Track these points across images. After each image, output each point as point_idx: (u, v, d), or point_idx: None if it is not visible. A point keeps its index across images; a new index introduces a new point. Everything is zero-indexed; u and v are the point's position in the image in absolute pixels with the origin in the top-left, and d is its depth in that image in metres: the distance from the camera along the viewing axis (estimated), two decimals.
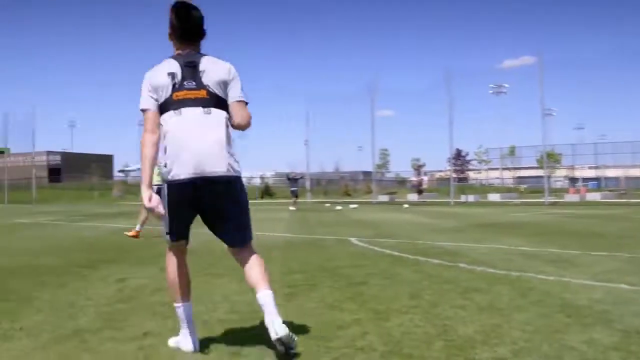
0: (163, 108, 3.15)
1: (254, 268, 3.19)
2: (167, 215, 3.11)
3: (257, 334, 3.36)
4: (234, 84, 3.22)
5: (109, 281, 5.47)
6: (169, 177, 3.09)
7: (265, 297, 3.05)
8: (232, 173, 3.12)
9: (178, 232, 3.20)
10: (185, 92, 3.12)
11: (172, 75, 3.14)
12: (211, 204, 3.13)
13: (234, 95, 3.21)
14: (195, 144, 3.07)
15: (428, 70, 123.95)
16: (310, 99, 55.20)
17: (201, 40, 3.26)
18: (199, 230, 3.63)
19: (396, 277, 5.47)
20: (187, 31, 3.21)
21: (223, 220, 3.18)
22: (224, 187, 3.11)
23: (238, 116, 3.21)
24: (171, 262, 3.27)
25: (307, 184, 51.12)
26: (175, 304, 3.25)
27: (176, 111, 3.11)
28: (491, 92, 58.70)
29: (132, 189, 64.54)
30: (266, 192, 62.61)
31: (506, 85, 57.85)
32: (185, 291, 3.25)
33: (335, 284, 5.11)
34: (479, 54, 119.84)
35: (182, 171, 3.06)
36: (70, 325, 3.75)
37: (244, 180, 3.28)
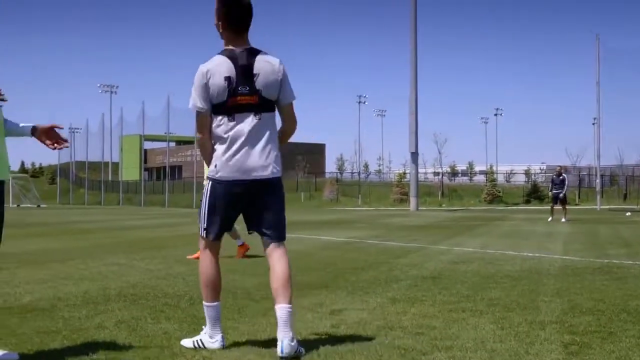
0: (217, 110, 4.33)
1: (280, 278, 4.36)
2: (206, 213, 4.45)
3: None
4: (284, 84, 4.40)
5: (321, 312, 5.75)
6: (217, 177, 4.35)
7: (282, 311, 4.24)
8: (275, 175, 4.43)
9: (217, 231, 4.50)
10: (239, 97, 4.28)
11: (229, 80, 4.26)
12: (253, 204, 4.44)
13: (284, 97, 4.42)
14: (245, 149, 4.32)
15: None
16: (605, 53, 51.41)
17: (246, 34, 4.38)
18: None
19: None
20: (240, 19, 4.33)
21: (263, 219, 4.47)
22: (267, 188, 4.41)
23: (289, 121, 4.53)
24: (206, 261, 4.52)
25: (597, 183, 48.58)
26: (206, 303, 4.48)
27: (230, 116, 4.31)
28: None
29: (347, 191, 67.68)
30: (533, 192, 60.89)
31: None
32: (218, 291, 4.51)
33: None
34: None
35: (229, 173, 4.32)
36: None
37: None
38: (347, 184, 73.86)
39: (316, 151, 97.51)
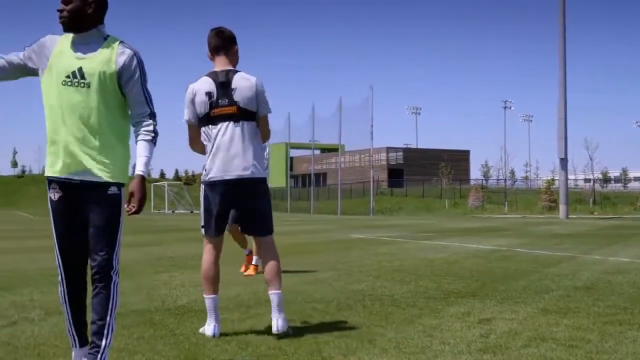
0: (203, 121, 5.14)
1: (270, 270, 5.16)
2: (202, 213, 5.24)
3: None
4: (260, 98, 5.15)
5: (469, 321, 5.66)
6: (206, 179, 5.14)
7: (274, 296, 5.10)
8: (255, 175, 5.10)
9: (214, 228, 5.20)
10: (220, 108, 5.08)
11: (209, 94, 5.09)
12: (237, 202, 5.15)
13: (261, 109, 5.17)
14: (226, 152, 5.05)
15: None
16: None
17: (230, 56, 5.22)
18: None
19: None
20: (216, 47, 5.21)
21: (248, 215, 5.22)
22: (249, 187, 5.09)
23: (262, 130, 5.28)
24: (205, 257, 5.26)
25: None
26: (205, 295, 5.22)
27: (214, 125, 5.09)
28: None
29: (493, 198, 66.26)
30: None
31: None
32: (215, 285, 5.23)
33: None
34: None
35: (215, 174, 5.08)
36: None
37: None
38: (492, 191, 72.34)
39: (460, 158, 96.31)
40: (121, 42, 3.82)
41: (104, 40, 3.79)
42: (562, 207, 43.90)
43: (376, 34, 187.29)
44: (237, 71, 5.20)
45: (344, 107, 64.24)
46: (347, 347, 4.68)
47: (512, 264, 10.62)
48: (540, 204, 58.69)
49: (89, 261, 3.80)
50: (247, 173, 5.08)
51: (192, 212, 64.28)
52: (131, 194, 3.78)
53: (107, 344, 3.75)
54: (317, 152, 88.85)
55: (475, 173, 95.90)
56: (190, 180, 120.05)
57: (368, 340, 4.91)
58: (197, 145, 5.30)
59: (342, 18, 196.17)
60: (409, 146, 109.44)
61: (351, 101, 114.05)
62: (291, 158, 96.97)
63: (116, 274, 3.81)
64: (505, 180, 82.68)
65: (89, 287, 3.84)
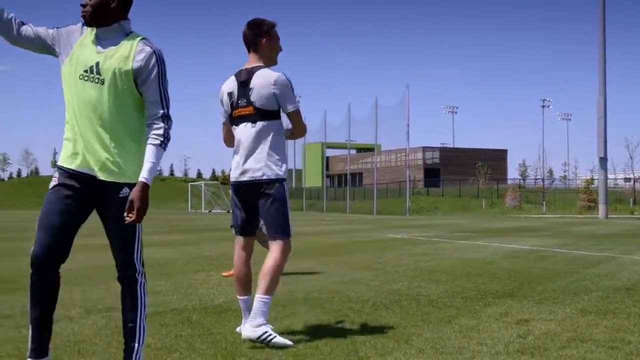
0: (230, 122, 5.16)
1: (262, 270, 4.92)
2: (231, 212, 5.34)
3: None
4: (281, 96, 4.93)
5: (507, 322, 5.61)
6: (231, 180, 5.16)
7: (256, 300, 4.85)
8: (268, 176, 4.93)
9: (238, 227, 5.19)
10: (239, 109, 5.03)
11: (230, 95, 5.07)
12: (254, 204, 5.05)
13: (284, 107, 4.98)
14: (241, 154, 5.01)
15: None
16: None
17: (260, 51, 5.03)
18: None
19: None
20: (246, 44, 5.08)
21: (262, 216, 5.06)
22: (262, 189, 4.95)
23: (294, 127, 5.14)
24: (235, 257, 5.22)
25: None
26: (237, 296, 5.21)
27: (236, 126, 5.09)
28: None
29: (531, 197, 65.64)
30: None
31: None
32: (245, 286, 5.15)
33: None
34: None
35: (232, 176, 5.12)
36: None
37: None
38: (530, 191, 71.67)
39: (498, 157, 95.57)
40: (143, 39, 3.70)
41: (126, 36, 3.68)
42: (601, 207, 43.37)
43: (412, 33, 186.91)
44: (260, 68, 5.00)
45: (380, 107, 64.09)
46: (383, 347, 4.67)
47: (550, 265, 10.51)
48: (578, 203, 58.04)
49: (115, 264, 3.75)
50: (257, 175, 4.94)
51: (228, 211, 64.45)
52: (130, 202, 3.54)
53: (140, 344, 3.76)
54: (353, 151, 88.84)
55: (512, 172, 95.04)
56: (227, 180, 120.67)
57: (404, 340, 4.90)
58: (230, 144, 5.29)
59: (378, 17, 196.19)
60: (445, 145, 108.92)
61: (387, 100, 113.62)
62: (327, 158, 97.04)
63: (141, 275, 3.77)
64: (543, 179, 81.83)
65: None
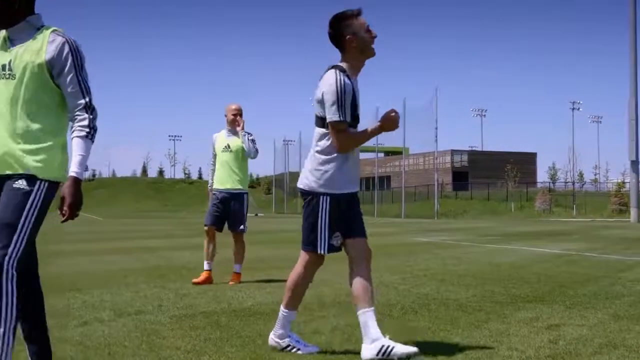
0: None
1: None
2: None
3: None
4: (325, 103, 4.44)
5: (537, 327, 5.56)
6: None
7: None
8: (304, 186, 4.60)
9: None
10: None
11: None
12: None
13: (324, 114, 4.49)
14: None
15: None
16: None
17: (343, 50, 4.57)
18: None
19: None
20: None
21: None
22: (305, 199, 4.65)
23: (332, 139, 4.51)
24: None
25: None
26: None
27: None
28: None
29: (561, 201, 65.02)
30: None
31: None
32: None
33: None
34: None
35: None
36: None
37: None
38: (560, 194, 71.01)
39: (527, 160, 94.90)
40: (55, 30, 3.54)
41: (37, 30, 3.54)
42: (633, 211, 42.87)
43: (440, 35, 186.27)
44: (331, 68, 4.56)
45: (408, 109, 64.00)
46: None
47: (580, 269, 10.40)
48: (610, 207, 57.43)
49: None
50: (301, 185, 4.66)
51: (256, 214, 64.82)
52: (62, 199, 3.44)
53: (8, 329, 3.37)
54: (381, 155, 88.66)
55: (542, 176, 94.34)
56: (255, 184, 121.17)
57: (433, 344, 4.87)
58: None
59: (407, 19, 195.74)
60: (473, 149, 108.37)
61: (415, 103, 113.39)
62: None
63: (11, 265, 3.36)
64: (573, 183, 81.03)
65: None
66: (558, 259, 12.35)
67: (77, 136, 3.51)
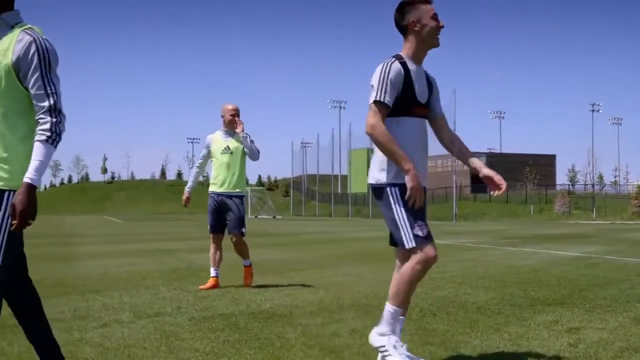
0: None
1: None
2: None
3: None
4: (370, 90, 4.19)
5: (557, 330, 5.53)
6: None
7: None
8: (373, 182, 4.36)
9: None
10: None
11: None
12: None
13: None
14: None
15: None
16: None
17: (404, 36, 4.31)
18: None
19: None
20: None
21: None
22: (373, 195, 4.51)
23: None
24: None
25: None
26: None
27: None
28: None
29: (580, 203, 64.57)
30: None
31: None
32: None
33: None
34: None
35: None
36: None
37: None
38: (580, 196, 70.48)
39: (546, 162, 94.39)
40: (26, 28, 3.32)
41: (10, 28, 3.31)
42: None
43: (458, 36, 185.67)
44: (393, 56, 4.27)
45: None
46: (430, 354, 4.65)
47: (601, 272, 10.32)
48: (630, 209, 56.95)
49: None
50: (371, 181, 4.39)
51: (274, 217, 64.98)
52: (12, 207, 3.17)
53: None
54: None
55: (561, 178, 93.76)
56: (273, 186, 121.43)
57: (452, 347, 4.86)
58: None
59: None
60: (492, 151, 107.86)
61: None
62: None
63: None
64: (593, 185, 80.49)
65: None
66: (578, 262, 12.26)
67: (38, 140, 3.24)
